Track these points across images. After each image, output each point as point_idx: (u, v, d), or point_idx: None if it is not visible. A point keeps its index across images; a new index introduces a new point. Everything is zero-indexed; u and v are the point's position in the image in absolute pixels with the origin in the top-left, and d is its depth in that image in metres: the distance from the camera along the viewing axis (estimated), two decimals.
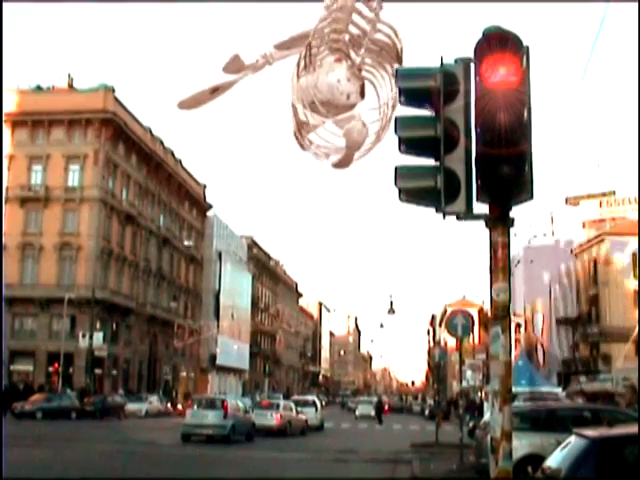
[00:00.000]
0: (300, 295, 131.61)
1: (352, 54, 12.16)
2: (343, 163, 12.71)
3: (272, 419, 29.06)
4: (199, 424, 25.02)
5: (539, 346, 64.06)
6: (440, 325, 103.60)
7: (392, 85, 11.84)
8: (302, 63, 12.59)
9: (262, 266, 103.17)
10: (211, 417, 24.99)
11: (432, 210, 6.01)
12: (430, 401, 72.61)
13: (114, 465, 17.23)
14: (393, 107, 11.91)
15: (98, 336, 48.18)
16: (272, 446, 24.36)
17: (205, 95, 14.44)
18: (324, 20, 11.83)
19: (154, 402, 47.15)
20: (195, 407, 26.47)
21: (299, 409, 32.93)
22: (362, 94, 12.30)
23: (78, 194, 53.92)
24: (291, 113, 12.38)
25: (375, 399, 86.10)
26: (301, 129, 12.30)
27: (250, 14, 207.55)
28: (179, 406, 53.37)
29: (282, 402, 33.29)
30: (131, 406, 43.35)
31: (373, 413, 49.84)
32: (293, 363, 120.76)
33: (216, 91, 14.26)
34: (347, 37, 12.28)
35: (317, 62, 12.55)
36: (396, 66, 11.29)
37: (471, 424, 26.29)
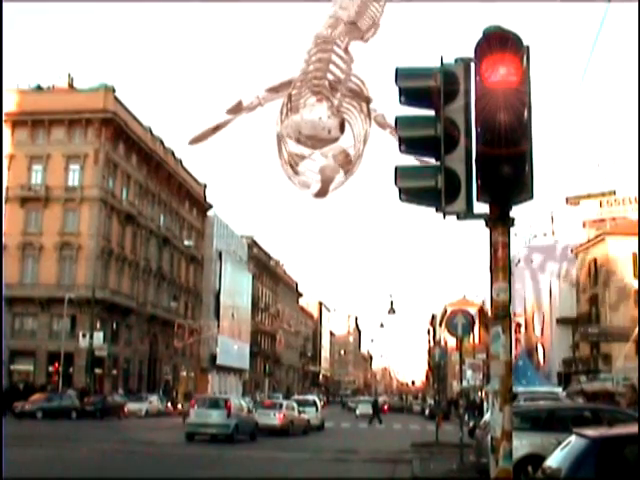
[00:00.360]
0: (300, 295, 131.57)
1: (331, 97, 14.73)
2: (320, 193, 15.39)
3: (275, 419, 29.25)
4: (203, 423, 25.21)
5: (539, 346, 64.05)
6: (440, 325, 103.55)
7: (363, 123, 14.81)
8: (284, 110, 15.62)
9: (262, 266, 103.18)
10: (215, 416, 25.17)
11: (432, 210, 6.01)
12: (430, 401, 72.62)
13: (115, 465, 17.24)
14: (365, 142, 14.92)
15: (98, 336, 48.18)
16: (274, 446, 24.42)
17: (208, 132, 18.18)
18: (306, 70, 14.67)
19: (154, 402, 47.21)
20: (199, 407, 26.44)
21: (300, 409, 33.06)
22: (342, 129, 14.98)
23: (78, 194, 53.95)
24: (276, 149, 15.38)
25: (380, 398, 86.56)
26: (292, 161, 15.19)
27: (249, 12, 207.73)
28: (179, 406, 53.32)
29: (285, 402, 33.40)
30: (131, 406, 43.39)
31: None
32: (293, 363, 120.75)
33: (217, 128, 18.13)
34: (326, 83, 15.03)
35: (301, 104, 15.15)
36: (365, 108, 14.85)
37: (471, 424, 26.30)
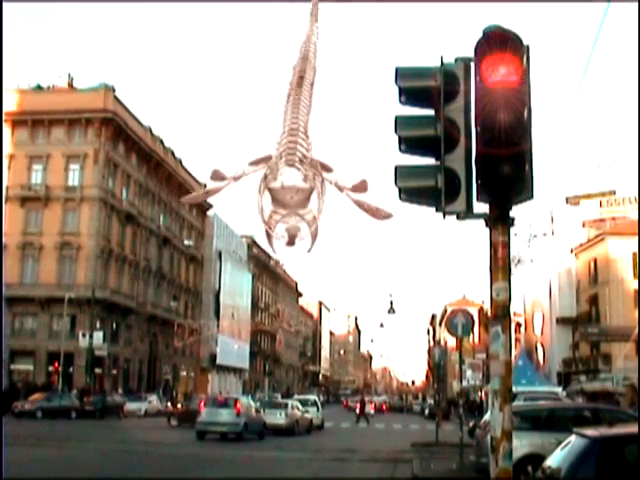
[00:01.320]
0: (300, 294, 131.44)
1: (301, 168, 21.70)
2: (289, 244, 22.34)
3: (282, 418, 30.04)
4: (213, 422, 26.02)
5: (539, 345, 64.07)
6: (440, 324, 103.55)
7: (321, 187, 22.05)
8: (265, 181, 22.40)
9: (262, 265, 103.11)
10: (225, 415, 26.08)
11: (432, 209, 6.00)
12: (430, 400, 72.62)
13: (114, 465, 17.22)
14: (322, 201, 22.07)
15: (98, 335, 48.13)
16: (275, 445, 24.59)
17: (201, 196, 33.73)
18: (279, 149, 21.97)
19: (154, 401, 47.08)
20: (209, 406, 27.21)
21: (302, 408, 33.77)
22: (313, 184, 22.27)
23: (78, 193, 53.93)
24: (259, 212, 22.68)
25: (380, 398, 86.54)
26: (270, 219, 22.22)
27: (248, 11, 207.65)
28: (179, 405, 53.21)
29: (290, 402, 34.06)
30: (130, 405, 43.28)
31: (372, 412, 50.06)
32: (293, 362, 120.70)
33: (208, 193, 27.02)
34: (297, 158, 22.01)
35: (279, 172, 21.87)
36: (320, 176, 23.23)
37: (471, 424, 26.29)
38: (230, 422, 25.91)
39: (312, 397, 44.61)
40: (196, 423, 26.82)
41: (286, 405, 32.05)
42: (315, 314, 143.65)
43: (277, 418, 29.83)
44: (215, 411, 26.42)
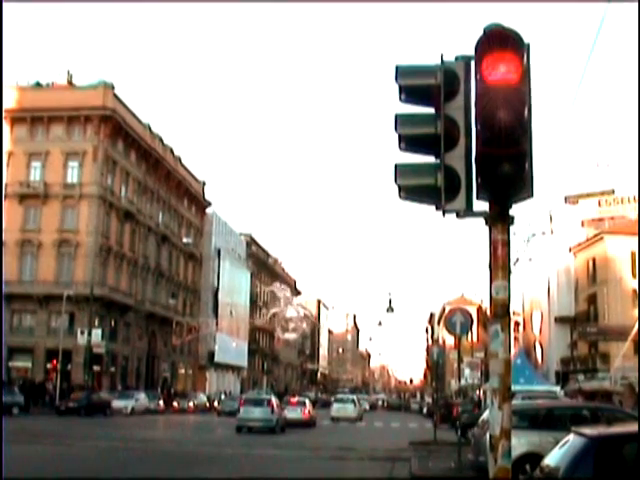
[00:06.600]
0: (299, 292, 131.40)
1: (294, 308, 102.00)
2: (289, 332, 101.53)
3: (301, 414, 35.57)
4: (251, 418, 30.31)
5: (537, 344, 64.09)
6: (439, 323, 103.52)
7: (304, 316, 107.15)
8: (277, 318, 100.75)
9: (261, 263, 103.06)
10: (260, 412, 30.32)
11: (432, 208, 5.98)
12: (428, 399, 72.68)
13: (107, 464, 17.19)
14: (305, 324, 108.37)
15: (96, 333, 48.09)
16: (279, 442, 24.52)
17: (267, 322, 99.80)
18: (282, 304, 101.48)
19: (141, 399, 46.53)
20: (247, 405, 31.39)
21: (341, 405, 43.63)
22: (307, 321, 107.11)
23: (77, 191, 53.88)
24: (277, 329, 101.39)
25: (378, 396, 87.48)
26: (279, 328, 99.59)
27: (247, 10, 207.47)
28: (175, 403, 53.10)
29: (307, 400, 39.59)
30: (117, 403, 42.56)
31: (368, 407, 52.20)
32: (291, 360, 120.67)
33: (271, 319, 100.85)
34: (294, 305, 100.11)
35: (288, 310, 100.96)
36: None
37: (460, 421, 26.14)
38: (265, 418, 30.06)
39: (351, 396, 51.12)
40: (236, 419, 31.00)
41: (304, 403, 37.24)
42: (314, 312, 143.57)
43: (297, 414, 35.12)
44: (252, 409, 30.56)
